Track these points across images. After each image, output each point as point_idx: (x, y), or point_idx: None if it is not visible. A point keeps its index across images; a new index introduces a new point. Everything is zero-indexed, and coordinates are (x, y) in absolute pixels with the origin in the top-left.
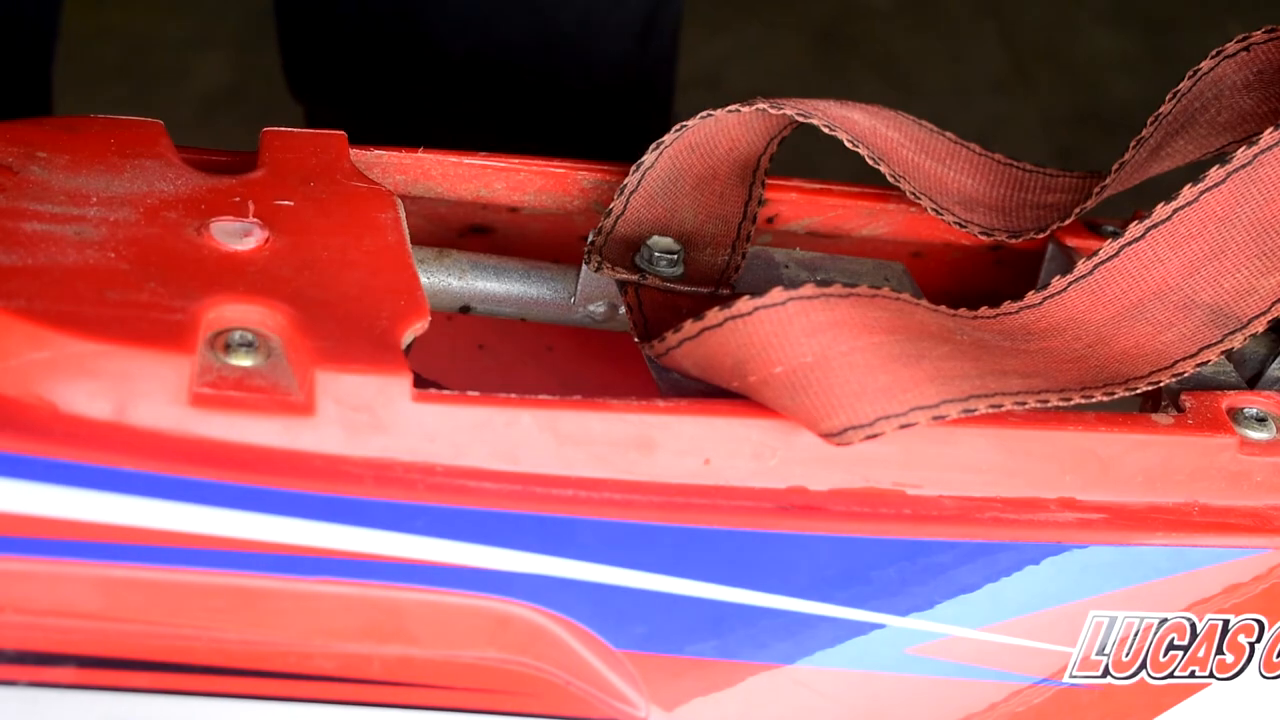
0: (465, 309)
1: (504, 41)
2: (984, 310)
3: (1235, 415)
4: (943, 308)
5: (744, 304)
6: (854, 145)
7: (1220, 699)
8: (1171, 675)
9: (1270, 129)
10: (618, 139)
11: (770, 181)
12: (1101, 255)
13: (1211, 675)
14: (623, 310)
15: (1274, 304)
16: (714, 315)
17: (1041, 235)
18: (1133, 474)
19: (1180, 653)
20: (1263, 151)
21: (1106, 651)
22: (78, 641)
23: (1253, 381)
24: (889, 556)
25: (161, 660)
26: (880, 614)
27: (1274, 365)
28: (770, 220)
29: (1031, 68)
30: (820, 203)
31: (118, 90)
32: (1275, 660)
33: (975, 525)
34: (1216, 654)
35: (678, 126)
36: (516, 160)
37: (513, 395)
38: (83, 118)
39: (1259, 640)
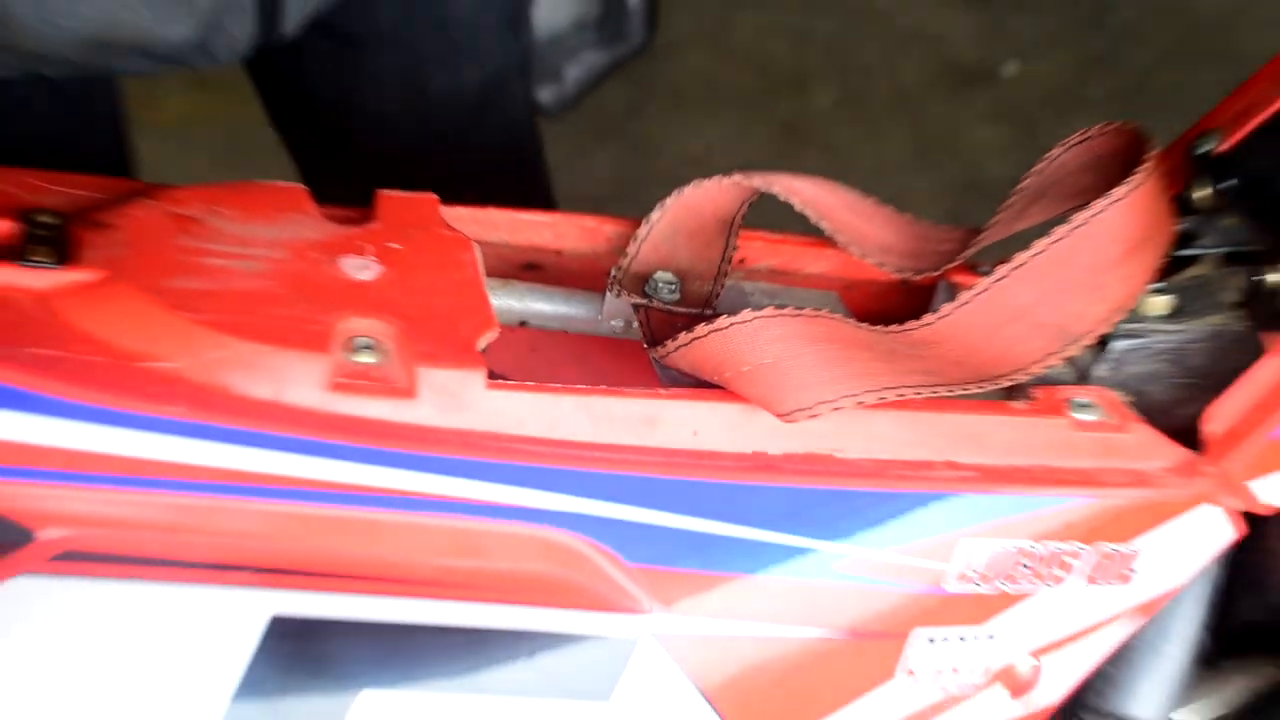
0: (523, 323)
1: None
2: (894, 327)
3: (1068, 403)
4: (865, 325)
5: (723, 321)
6: (802, 209)
7: (1051, 600)
8: (1019, 584)
9: (1100, 200)
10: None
11: (743, 232)
12: (978, 289)
13: (1047, 584)
14: (636, 325)
15: (1099, 324)
16: (701, 329)
17: (936, 273)
18: (997, 444)
19: (1026, 568)
20: (1094, 215)
21: (974, 568)
22: (250, 553)
23: (1082, 379)
24: (823, 500)
25: (309, 570)
26: (816, 540)
27: (1095, 367)
28: (741, 261)
29: (931, 152)
30: (778, 249)
31: None
32: (1091, 574)
33: (884, 479)
34: (1052, 570)
35: (676, 192)
36: (560, 216)
37: (557, 385)
38: (247, 183)
39: (1081, 560)
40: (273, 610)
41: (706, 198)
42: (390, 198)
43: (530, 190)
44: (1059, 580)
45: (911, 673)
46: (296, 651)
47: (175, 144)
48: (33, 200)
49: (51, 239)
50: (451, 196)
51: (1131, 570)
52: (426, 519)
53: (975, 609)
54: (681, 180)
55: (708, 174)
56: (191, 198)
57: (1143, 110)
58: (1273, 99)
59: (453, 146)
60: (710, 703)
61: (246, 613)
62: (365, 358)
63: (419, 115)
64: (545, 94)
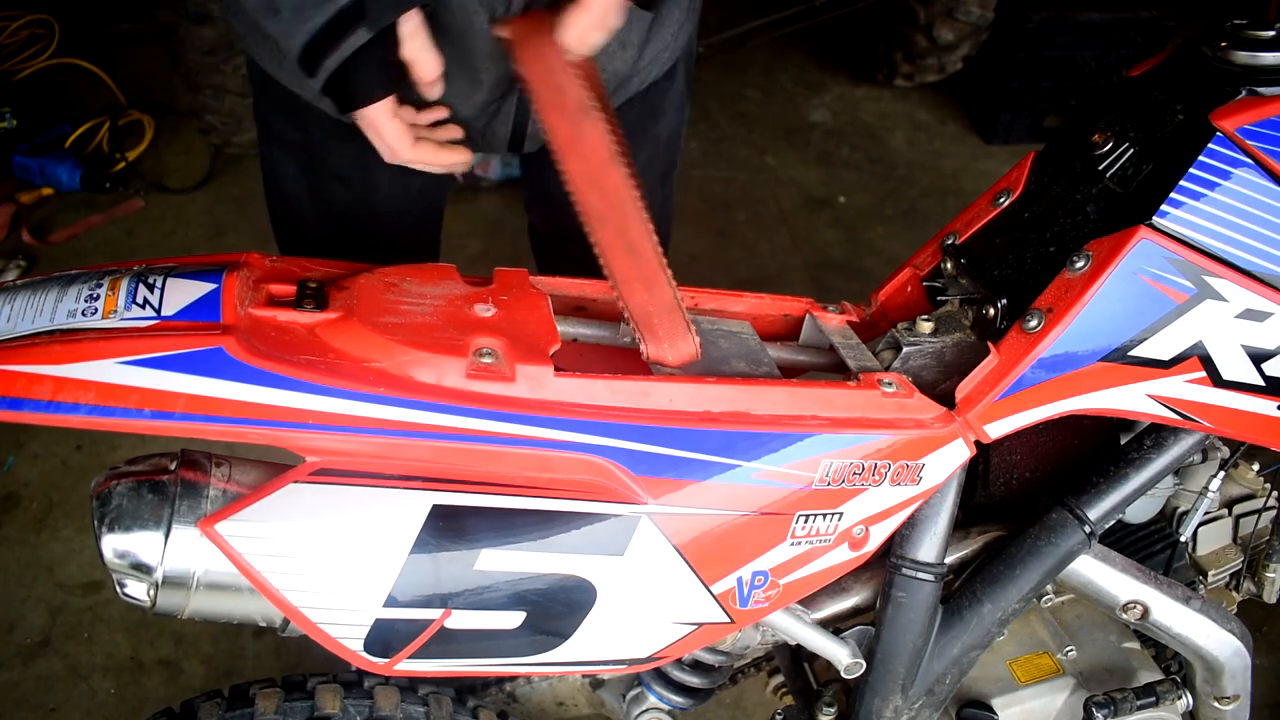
0: (574, 340)
1: None
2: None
3: (879, 382)
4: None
5: None
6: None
7: (872, 493)
8: (854, 484)
9: None
10: None
11: (694, 287)
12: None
13: (869, 485)
14: (637, 340)
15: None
16: None
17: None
18: (840, 405)
19: (858, 475)
20: None
21: (828, 475)
22: (421, 469)
23: (886, 369)
24: (744, 438)
25: (454, 478)
26: (740, 460)
27: (893, 363)
28: (695, 304)
29: (799, 246)
30: (715, 297)
31: None
32: (894, 478)
33: (777, 425)
34: (873, 476)
35: None
36: (595, 281)
37: (594, 374)
38: (424, 264)
39: (889, 470)
40: (433, 501)
41: None
42: (501, 271)
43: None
44: (877, 482)
45: (794, 536)
46: (446, 525)
47: None
48: (304, 274)
49: (315, 295)
50: None
51: (918, 476)
52: (520, 449)
53: (830, 499)
54: None
55: (674, 263)
56: (392, 272)
57: (914, 223)
58: (985, 215)
59: None
60: (681, 555)
61: (418, 503)
62: (486, 359)
63: None
64: None
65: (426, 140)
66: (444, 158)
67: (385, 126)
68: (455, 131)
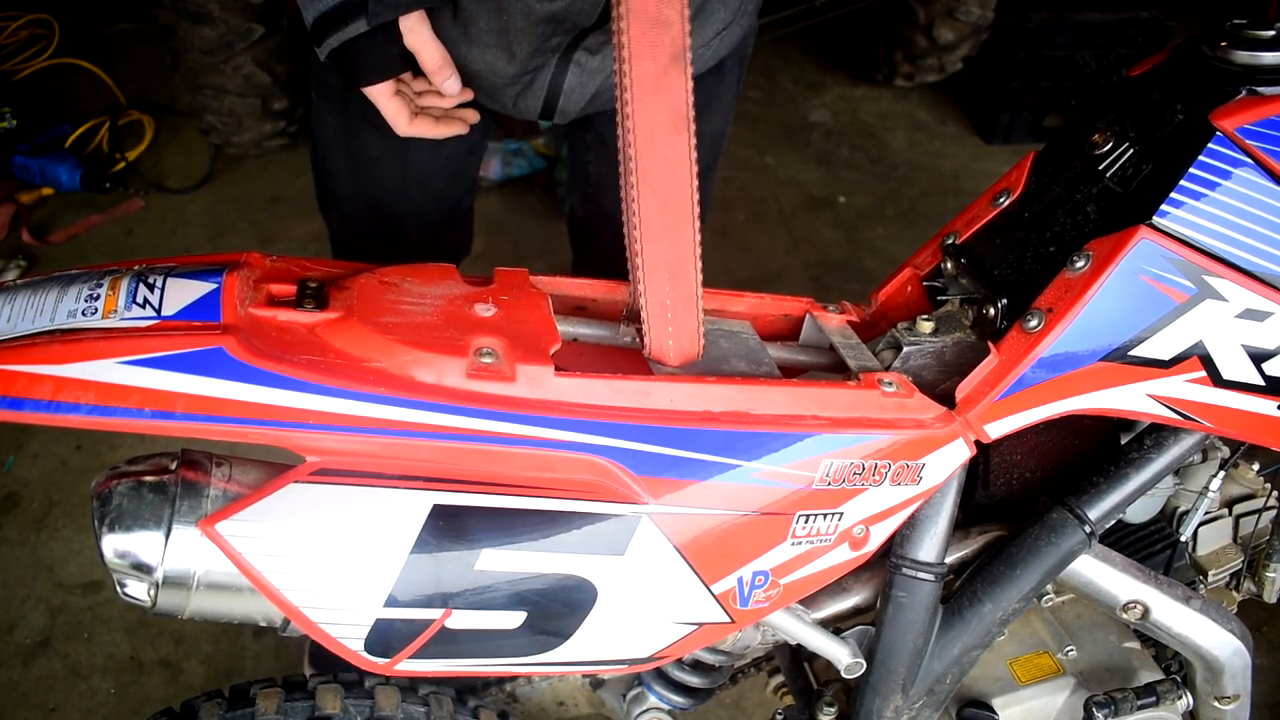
0: (575, 339)
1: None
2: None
3: (880, 381)
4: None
5: None
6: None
7: (873, 493)
8: (855, 483)
9: None
10: None
11: None
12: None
13: (869, 485)
14: (637, 340)
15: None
16: None
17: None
18: (840, 405)
19: (858, 475)
20: None
21: (829, 475)
22: (422, 469)
23: (887, 369)
24: (744, 438)
25: (455, 478)
26: (740, 460)
27: (894, 362)
28: None
29: (799, 245)
30: (715, 296)
31: None
32: (894, 478)
33: (778, 425)
34: (873, 476)
35: None
36: (595, 280)
37: (594, 374)
38: (423, 264)
39: (889, 470)
40: (434, 501)
41: None
42: (501, 271)
43: None
44: (877, 482)
45: (794, 536)
46: (447, 525)
47: None
48: (304, 274)
49: (316, 295)
50: None
51: (919, 476)
52: (520, 449)
53: (831, 498)
54: None
55: None
56: (392, 272)
57: (914, 223)
58: (985, 215)
59: None
60: (682, 555)
61: (418, 503)
62: (486, 359)
63: None
64: None
65: (425, 115)
66: (441, 130)
67: (384, 105)
68: (465, 95)
